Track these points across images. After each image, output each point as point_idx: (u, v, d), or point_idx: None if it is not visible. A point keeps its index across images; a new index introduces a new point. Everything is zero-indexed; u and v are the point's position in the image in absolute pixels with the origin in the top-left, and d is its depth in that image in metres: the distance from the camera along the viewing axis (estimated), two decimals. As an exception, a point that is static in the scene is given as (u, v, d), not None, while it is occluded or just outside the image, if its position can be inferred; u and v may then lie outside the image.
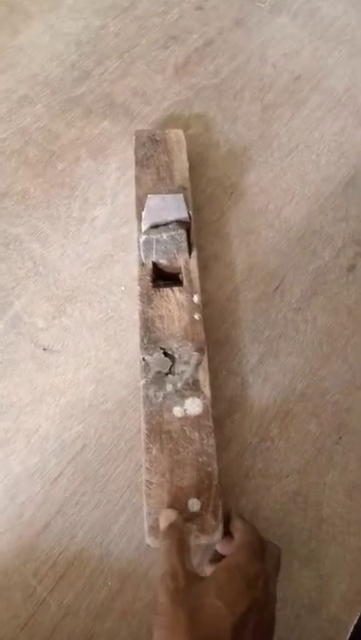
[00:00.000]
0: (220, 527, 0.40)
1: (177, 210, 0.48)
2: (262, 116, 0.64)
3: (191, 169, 0.59)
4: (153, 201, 0.49)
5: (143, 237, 0.48)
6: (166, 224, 0.48)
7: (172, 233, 0.48)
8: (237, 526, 0.40)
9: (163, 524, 0.39)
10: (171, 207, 0.48)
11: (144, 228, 0.49)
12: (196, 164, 0.60)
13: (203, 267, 0.55)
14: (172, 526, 0.38)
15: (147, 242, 0.48)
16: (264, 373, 0.51)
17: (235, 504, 0.46)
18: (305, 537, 0.45)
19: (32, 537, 0.44)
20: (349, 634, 0.42)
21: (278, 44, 0.70)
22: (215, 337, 0.52)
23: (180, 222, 0.48)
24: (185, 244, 0.49)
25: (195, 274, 0.49)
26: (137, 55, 0.67)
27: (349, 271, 0.56)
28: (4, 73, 0.64)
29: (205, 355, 0.46)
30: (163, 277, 0.51)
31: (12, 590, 0.42)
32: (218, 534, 0.40)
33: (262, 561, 0.36)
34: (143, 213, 0.49)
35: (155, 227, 0.48)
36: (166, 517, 0.39)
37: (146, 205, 0.49)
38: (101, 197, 0.57)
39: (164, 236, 0.48)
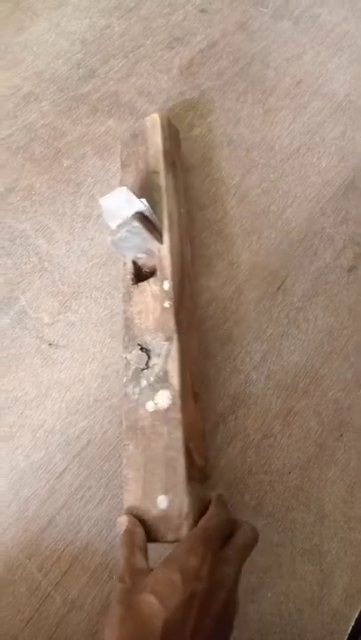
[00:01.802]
0: (186, 524, 0.38)
1: (129, 203, 0.46)
2: (264, 118, 0.65)
3: (195, 169, 0.60)
4: (106, 203, 0.46)
5: (109, 240, 0.47)
6: (125, 220, 0.46)
7: (127, 227, 0.46)
8: (206, 513, 0.38)
9: (119, 531, 0.39)
10: (122, 203, 0.46)
11: (109, 231, 0.47)
12: (200, 164, 0.61)
13: (206, 264, 0.56)
14: (125, 532, 0.38)
15: (114, 244, 0.47)
16: (267, 371, 0.51)
17: (238, 500, 0.46)
18: (307, 532, 0.46)
19: (37, 531, 0.44)
20: (351, 628, 0.43)
21: (280, 48, 0.71)
22: (218, 335, 0.52)
23: (137, 214, 0.46)
24: (146, 234, 0.46)
25: (166, 260, 0.47)
26: (142, 55, 0.67)
27: (350, 272, 0.57)
28: (9, 69, 0.64)
29: (175, 343, 0.43)
30: (153, 274, 0.50)
31: (17, 585, 0.42)
32: (183, 532, 0.38)
33: (212, 548, 0.35)
34: (104, 218, 0.47)
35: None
36: (120, 525, 0.39)
37: (103, 210, 0.46)
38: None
39: (123, 232, 0.46)
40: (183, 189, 0.55)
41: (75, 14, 0.69)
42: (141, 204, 0.46)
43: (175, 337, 0.44)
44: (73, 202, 0.57)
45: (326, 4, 0.75)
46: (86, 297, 0.52)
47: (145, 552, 0.37)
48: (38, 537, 0.44)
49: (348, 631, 0.43)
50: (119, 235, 0.46)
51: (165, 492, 0.39)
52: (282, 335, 0.53)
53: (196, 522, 0.38)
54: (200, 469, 0.41)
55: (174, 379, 0.42)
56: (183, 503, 0.39)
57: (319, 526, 0.46)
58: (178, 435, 0.40)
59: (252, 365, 0.52)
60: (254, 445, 0.48)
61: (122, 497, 0.41)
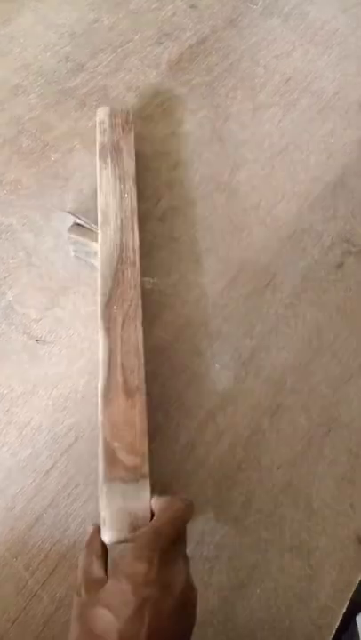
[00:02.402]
0: (109, 529, 0.37)
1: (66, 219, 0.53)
2: (254, 115, 0.65)
3: (184, 165, 0.60)
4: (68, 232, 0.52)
5: (72, 255, 0.53)
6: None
7: (70, 240, 0.51)
8: (156, 513, 0.37)
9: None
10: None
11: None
12: (189, 160, 0.60)
13: (195, 261, 0.55)
14: (86, 540, 0.38)
15: (76, 257, 0.53)
16: (255, 367, 0.51)
17: (227, 496, 0.46)
18: (295, 528, 0.46)
19: (24, 530, 0.43)
20: (338, 622, 0.43)
21: (270, 45, 0.71)
22: (207, 331, 0.52)
23: (72, 225, 0.51)
24: (83, 239, 0.49)
25: (97, 256, 0.48)
26: (131, 50, 0.67)
27: (338, 268, 0.57)
28: (-5, 61, 0.63)
29: (100, 338, 0.44)
30: None
31: (3, 584, 0.41)
32: (106, 536, 0.37)
33: (160, 548, 0.34)
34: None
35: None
36: (86, 534, 0.39)
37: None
38: (96, 190, 0.56)
39: (70, 245, 0.52)
40: (134, 174, 0.53)
41: (63, 7, 0.69)
42: (70, 215, 0.51)
43: (101, 332, 0.44)
44: (60, 196, 0.56)
45: (315, 1, 0.75)
46: (74, 292, 0.52)
47: (103, 558, 0.37)
48: (25, 535, 0.43)
49: (336, 626, 0.43)
50: (71, 248, 0.51)
51: (99, 494, 0.39)
52: (270, 332, 0.53)
53: (122, 524, 0.37)
54: (130, 469, 0.40)
55: (99, 375, 0.43)
56: (100, 504, 0.39)
57: (307, 522, 0.46)
58: (99, 434, 0.41)
59: (241, 362, 0.51)
60: (243, 442, 0.48)
61: None
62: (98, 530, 0.38)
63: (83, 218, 0.51)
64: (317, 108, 0.67)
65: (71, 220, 0.51)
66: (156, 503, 0.38)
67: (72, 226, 0.51)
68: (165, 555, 0.34)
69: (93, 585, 0.34)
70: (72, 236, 0.50)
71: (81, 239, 0.50)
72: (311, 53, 0.71)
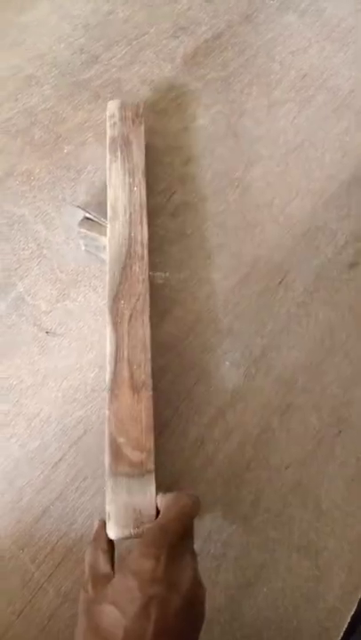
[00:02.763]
0: (114, 524, 0.37)
1: (76, 213, 0.52)
2: (269, 111, 0.64)
3: (198, 160, 0.59)
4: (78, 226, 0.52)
5: (83, 250, 0.53)
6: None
7: (80, 235, 0.51)
8: (162, 509, 0.37)
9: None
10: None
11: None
12: (202, 155, 0.60)
13: (207, 257, 0.55)
14: (93, 536, 0.38)
15: (87, 252, 0.53)
16: (266, 366, 0.51)
17: (235, 495, 0.46)
18: (304, 528, 0.45)
19: (31, 522, 0.43)
20: (346, 624, 0.43)
21: (286, 41, 0.70)
22: (218, 328, 0.52)
23: (82, 219, 0.51)
24: (93, 234, 0.49)
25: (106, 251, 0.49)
26: (146, 43, 0.66)
27: (351, 268, 0.57)
28: (9, 50, 0.63)
29: (107, 334, 0.44)
30: None
31: (10, 576, 0.41)
32: (111, 532, 0.37)
33: (167, 545, 0.33)
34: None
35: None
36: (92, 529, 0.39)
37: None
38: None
39: (81, 240, 0.51)
40: (143, 168, 0.52)
41: (78, -2, 0.68)
42: (80, 210, 0.51)
43: (108, 326, 0.44)
44: (73, 188, 0.56)
45: (332, -2, 0.75)
46: (85, 285, 0.51)
47: (110, 554, 0.36)
48: (32, 527, 0.43)
49: (344, 628, 0.43)
50: (82, 242, 0.51)
51: (105, 489, 0.39)
52: (282, 330, 0.53)
53: (127, 519, 0.37)
54: (135, 464, 0.40)
55: (106, 371, 0.42)
56: (105, 500, 0.39)
57: (316, 523, 0.46)
58: (105, 429, 0.41)
59: (252, 360, 0.51)
60: (252, 440, 0.48)
61: None
62: (104, 525, 0.38)
63: (92, 212, 0.50)
64: (333, 105, 0.66)
65: (81, 214, 0.51)
66: (162, 500, 0.38)
67: (82, 220, 0.51)
68: (172, 551, 0.33)
69: (100, 580, 0.34)
70: (82, 230, 0.50)
71: (90, 233, 0.50)
72: (327, 50, 0.71)
